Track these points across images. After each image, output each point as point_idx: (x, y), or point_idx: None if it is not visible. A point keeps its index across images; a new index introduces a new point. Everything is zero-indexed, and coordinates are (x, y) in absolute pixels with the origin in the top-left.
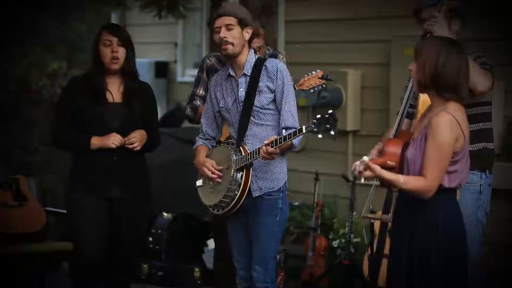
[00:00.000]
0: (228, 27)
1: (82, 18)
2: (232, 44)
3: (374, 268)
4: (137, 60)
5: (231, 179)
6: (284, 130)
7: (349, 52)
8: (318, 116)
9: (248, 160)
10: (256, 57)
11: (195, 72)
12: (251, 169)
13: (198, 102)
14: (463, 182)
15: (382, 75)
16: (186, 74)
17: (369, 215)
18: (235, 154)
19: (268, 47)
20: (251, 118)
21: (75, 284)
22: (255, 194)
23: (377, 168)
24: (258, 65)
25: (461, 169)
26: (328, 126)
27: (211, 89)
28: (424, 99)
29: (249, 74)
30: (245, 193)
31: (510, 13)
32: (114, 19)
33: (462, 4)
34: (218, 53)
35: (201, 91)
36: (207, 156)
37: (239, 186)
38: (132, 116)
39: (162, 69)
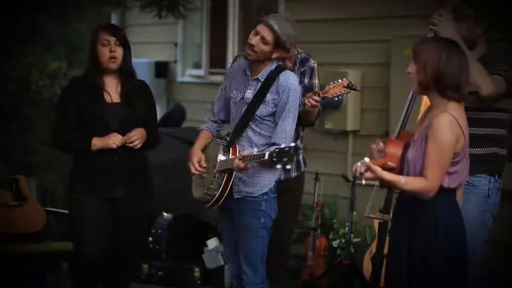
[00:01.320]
0: (263, 40)
1: (82, 18)
2: (256, 52)
3: (377, 268)
4: (137, 60)
5: (213, 179)
6: (272, 146)
7: (349, 52)
8: (282, 146)
9: (231, 164)
10: (277, 64)
11: (195, 72)
12: (234, 172)
13: None
14: (463, 183)
15: (382, 75)
16: (186, 74)
17: (371, 215)
18: (222, 155)
19: (300, 51)
20: (250, 123)
21: (74, 284)
22: (235, 196)
23: (378, 170)
24: (273, 75)
25: (461, 170)
26: (286, 159)
27: (228, 75)
28: (426, 99)
29: (262, 81)
30: (225, 194)
31: (510, 13)
32: (114, 19)
33: (467, 3)
34: None
35: None
36: (205, 147)
37: (219, 187)
38: (131, 115)
39: (162, 69)
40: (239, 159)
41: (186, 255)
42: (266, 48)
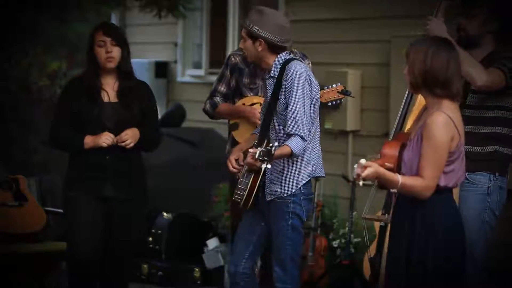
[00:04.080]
0: (242, 37)
1: (82, 18)
2: (247, 55)
3: (377, 268)
4: (137, 60)
5: (241, 179)
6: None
7: (349, 52)
8: (270, 145)
9: None
10: (287, 57)
11: (195, 72)
12: (262, 172)
13: (218, 99)
14: (460, 182)
15: (382, 75)
16: (186, 74)
17: (368, 216)
18: None
19: (296, 51)
20: (274, 120)
21: (71, 284)
22: (268, 198)
23: (375, 165)
24: (284, 68)
25: (457, 169)
26: (267, 158)
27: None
28: (421, 99)
29: (276, 76)
30: (253, 195)
31: (510, 13)
32: (114, 19)
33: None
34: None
35: (222, 88)
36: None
37: (246, 187)
38: (127, 115)
39: (162, 69)
40: (249, 155)
41: (186, 255)
42: (248, 44)
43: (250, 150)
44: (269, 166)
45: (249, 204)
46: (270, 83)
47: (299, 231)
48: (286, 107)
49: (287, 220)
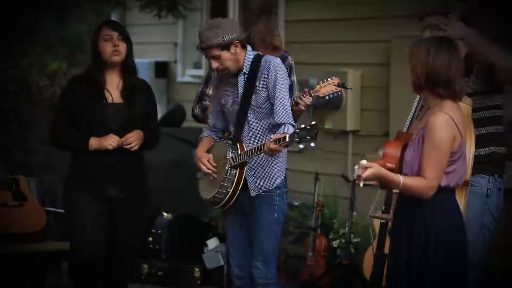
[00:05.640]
0: (215, 57)
1: (82, 18)
2: (228, 68)
3: (378, 268)
4: (137, 60)
5: (225, 176)
6: (277, 127)
7: (349, 52)
8: (302, 126)
9: (242, 158)
10: (255, 54)
11: (195, 72)
12: (245, 167)
13: (207, 102)
14: (461, 182)
15: (382, 75)
16: (186, 74)
17: (376, 215)
18: (231, 152)
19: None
20: (248, 115)
21: (74, 284)
22: (253, 193)
23: (376, 165)
24: (256, 63)
25: (459, 169)
26: (309, 137)
27: (214, 86)
28: None
29: (248, 72)
30: (238, 191)
31: (510, 13)
32: (114, 19)
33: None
34: None
35: (210, 91)
36: (208, 150)
37: (232, 184)
38: (131, 115)
39: (162, 69)
40: (271, 142)
41: (186, 255)
42: (225, 57)
43: (273, 136)
44: (312, 144)
45: (231, 202)
46: (241, 79)
47: (281, 225)
48: (266, 100)
49: (272, 213)
